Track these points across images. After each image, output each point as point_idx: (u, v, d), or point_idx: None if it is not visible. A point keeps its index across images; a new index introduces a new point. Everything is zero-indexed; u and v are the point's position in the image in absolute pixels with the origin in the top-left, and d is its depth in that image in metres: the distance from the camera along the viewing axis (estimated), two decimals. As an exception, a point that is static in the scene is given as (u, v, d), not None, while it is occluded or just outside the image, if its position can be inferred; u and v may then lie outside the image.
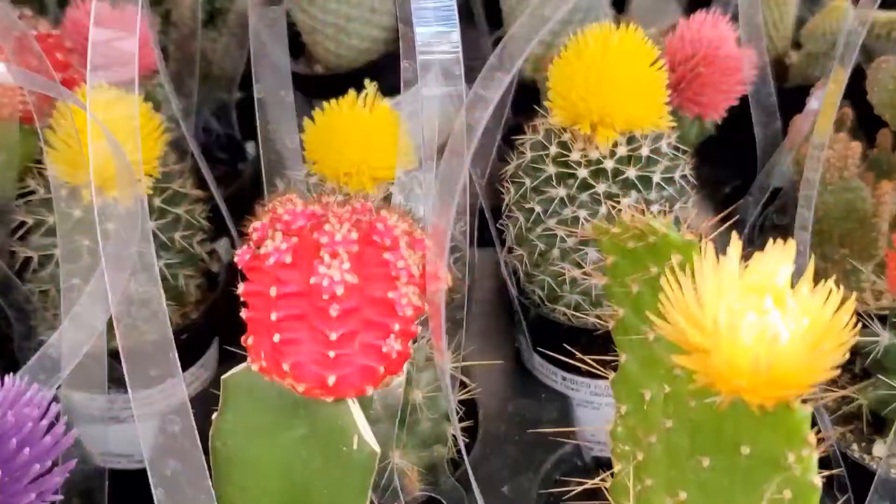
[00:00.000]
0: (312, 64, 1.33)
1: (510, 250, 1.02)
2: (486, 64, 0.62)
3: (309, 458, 0.65)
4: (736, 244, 0.58)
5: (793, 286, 0.58)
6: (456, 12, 0.64)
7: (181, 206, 0.97)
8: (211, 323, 1.05)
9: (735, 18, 1.07)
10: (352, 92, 0.96)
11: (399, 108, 1.25)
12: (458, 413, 0.88)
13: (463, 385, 0.90)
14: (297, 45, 1.34)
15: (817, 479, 0.59)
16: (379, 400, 0.83)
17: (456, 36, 0.64)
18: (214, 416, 0.67)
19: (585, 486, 0.72)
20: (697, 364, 0.56)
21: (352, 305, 0.61)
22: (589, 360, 0.73)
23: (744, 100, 1.09)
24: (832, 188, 0.96)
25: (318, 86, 1.28)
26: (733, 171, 1.27)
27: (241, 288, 0.63)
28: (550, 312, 1.01)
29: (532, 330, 1.04)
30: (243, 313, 0.63)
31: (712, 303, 0.56)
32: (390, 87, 1.21)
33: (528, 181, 0.97)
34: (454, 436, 0.88)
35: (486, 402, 1.04)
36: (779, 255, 0.58)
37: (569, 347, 0.83)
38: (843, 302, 0.56)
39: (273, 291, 0.61)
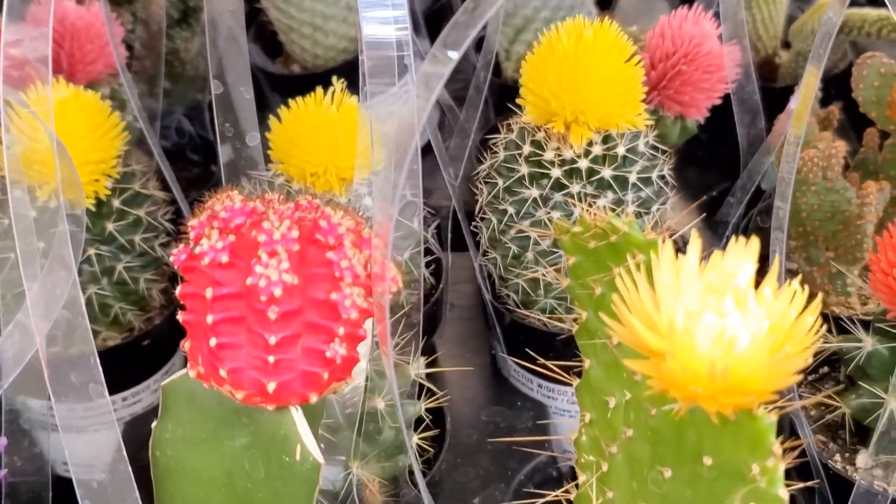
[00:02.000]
0: (290, 64, 1.30)
1: (485, 253, 0.98)
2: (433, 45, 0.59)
3: (252, 469, 0.62)
4: (696, 242, 0.55)
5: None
6: (406, 7, 0.61)
7: (142, 208, 0.93)
8: (176, 328, 1.01)
9: (718, 15, 1.04)
10: (319, 90, 0.93)
11: (374, 108, 1.23)
12: (425, 421, 0.85)
13: (431, 392, 0.87)
14: (275, 45, 1.31)
15: (784, 492, 0.55)
16: (339, 408, 0.79)
17: (405, 33, 0.61)
18: (154, 424, 0.64)
19: (547, 499, 0.68)
20: (652, 369, 0.52)
21: (292, 307, 0.58)
22: (552, 366, 0.70)
23: (730, 100, 1.05)
24: (816, 189, 0.93)
25: (296, 86, 1.24)
26: (720, 173, 1.23)
27: (178, 290, 0.60)
28: (525, 317, 0.98)
29: (507, 336, 1.00)
30: (180, 316, 0.60)
31: (669, 304, 0.53)
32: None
33: (500, 181, 0.94)
34: (419, 445, 0.84)
35: (459, 410, 1.02)
36: (741, 254, 0.54)
37: (531, 352, 0.79)
38: (808, 303, 0.52)
39: (209, 293, 0.58)
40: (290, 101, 0.92)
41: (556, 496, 0.68)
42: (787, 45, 1.32)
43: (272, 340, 0.57)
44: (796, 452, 0.56)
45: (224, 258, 0.57)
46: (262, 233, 0.57)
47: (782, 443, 0.56)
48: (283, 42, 1.27)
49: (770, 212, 1.03)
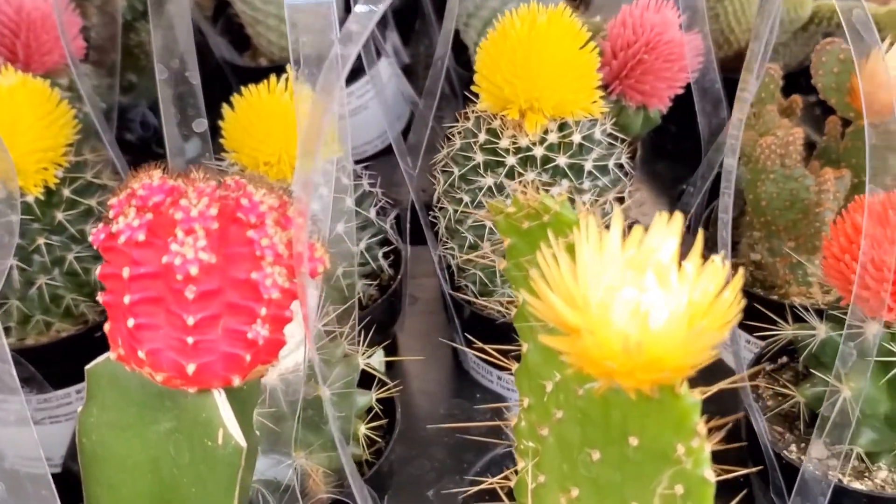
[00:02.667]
0: (258, 57, 1.30)
1: (443, 244, 0.97)
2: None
3: (177, 455, 0.61)
4: (618, 217, 0.54)
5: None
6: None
7: (94, 198, 0.92)
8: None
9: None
10: (273, 77, 0.92)
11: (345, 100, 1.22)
12: (374, 411, 0.84)
13: (382, 383, 0.86)
14: (243, 39, 1.31)
15: (710, 474, 0.54)
16: (283, 396, 0.78)
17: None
18: (79, 409, 0.63)
19: (482, 487, 0.67)
20: (568, 345, 0.51)
21: (211, 287, 0.56)
22: (491, 350, 0.69)
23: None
24: (774, 177, 0.91)
25: (263, 79, 1.24)
26: (690, 166, 1.22)
27: (98, 270, 0.59)
28: (484, 308, 0.96)
29: (466, 327, 0.99)
30: (100, 297, 0.59)
31: (588, 279, 0.52)
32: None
33: (456, 170, 0.93)
34: (368, 436, 0.83)
35: (418, 403, 1.00)
36: (665, 230, 0.53)
37: (488, 343, 0.78)
38: (730, 279, 0.51)
39: (126, 272, 0.57)
40: (244, 89, 0.91)
41: (491, 484, 0.67)
42: (760, 37, 1.31)
43: (190, 321, 0.56)
44: (723, 432, 0.55)
45: (140, 236, 0.56)
46: (179, 210, 0.56)
47: (709, 422, 0.55)
48: (250, 35, 1.27)
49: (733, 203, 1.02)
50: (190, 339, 0.57)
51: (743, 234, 1.02)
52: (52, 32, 1.01)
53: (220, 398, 0.59)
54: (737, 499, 0.58)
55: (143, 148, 1.21)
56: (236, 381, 0.58)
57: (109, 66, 1.08)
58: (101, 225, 0.58)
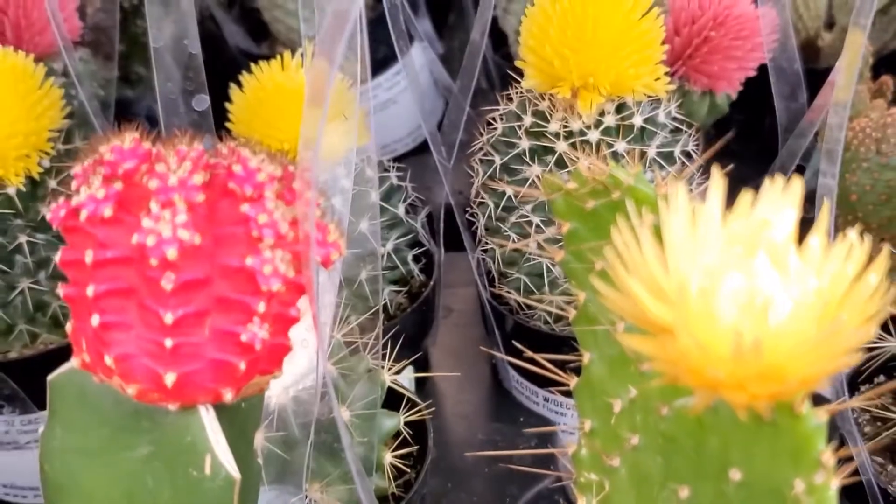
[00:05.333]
0: (276, 46, 1.18)
1: (482, 246, 0.85)
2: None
3: (156, 487, 0.49)
4: (718, 182, 0.42)
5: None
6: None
7: (84, 191, 0.81)
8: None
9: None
10: (287, 53, 0.81)
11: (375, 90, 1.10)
12: (402, 436, 0.73)
13: (412, 405, 0.74)
14: (261, 28, 1.20)
15: (838, 519, 0.41)
16: (295, 419, 0.67)
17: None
18: (41, 430, 0.51)
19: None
20: (658, 348, 0.39)
21: (196, 276, 0.45)
22: (544, 361, 0.57)
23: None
24: (868, 166, 0.79)
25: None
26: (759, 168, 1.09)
27: (58, 255, 0.47)
28: (529, 319, 0.84)
29: (508, 342, 0.87)
30: (60, 289, 0.47)
31: (681, 262, 0.39)
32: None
33: (498, 158, 0.81)
34: (395, 465, 0.71)
35: (453, 428, 0.89)
36: (779, 199, 0.41)
37: (514, 352, 0.66)
38: (871, 259, 0.39)
39: (89, 257, 0.45)
40: (254, 67, 0.80)
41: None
42: (829, 26, 1.19)
43: (169, 318, 0.44)
44: (851, 468, 0.43)
45: (107, 211, 0.44)
46: (154, 178, 0.44)
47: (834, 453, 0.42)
48: (267, 21, 1.16)
49: (812, 200, 0.90)
50: (169, 342, 0.45)
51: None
52: (45, 11, 0.90)
53: (207, 417, 0.47)
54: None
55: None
56: (228, 396, 0.47)
57: (106, 50, 0.97)
58: (62, 200, 0.46)
